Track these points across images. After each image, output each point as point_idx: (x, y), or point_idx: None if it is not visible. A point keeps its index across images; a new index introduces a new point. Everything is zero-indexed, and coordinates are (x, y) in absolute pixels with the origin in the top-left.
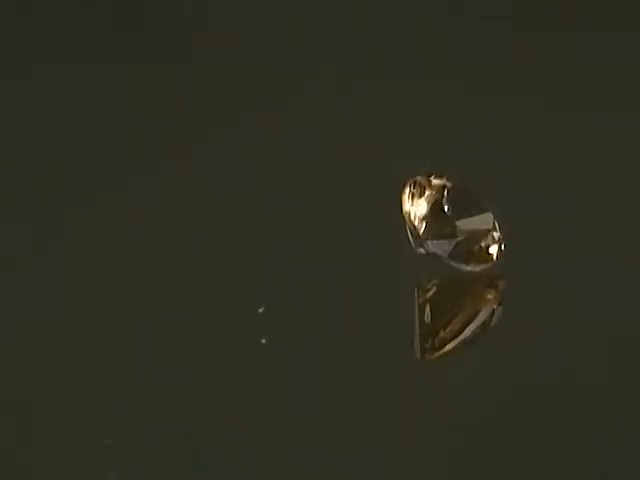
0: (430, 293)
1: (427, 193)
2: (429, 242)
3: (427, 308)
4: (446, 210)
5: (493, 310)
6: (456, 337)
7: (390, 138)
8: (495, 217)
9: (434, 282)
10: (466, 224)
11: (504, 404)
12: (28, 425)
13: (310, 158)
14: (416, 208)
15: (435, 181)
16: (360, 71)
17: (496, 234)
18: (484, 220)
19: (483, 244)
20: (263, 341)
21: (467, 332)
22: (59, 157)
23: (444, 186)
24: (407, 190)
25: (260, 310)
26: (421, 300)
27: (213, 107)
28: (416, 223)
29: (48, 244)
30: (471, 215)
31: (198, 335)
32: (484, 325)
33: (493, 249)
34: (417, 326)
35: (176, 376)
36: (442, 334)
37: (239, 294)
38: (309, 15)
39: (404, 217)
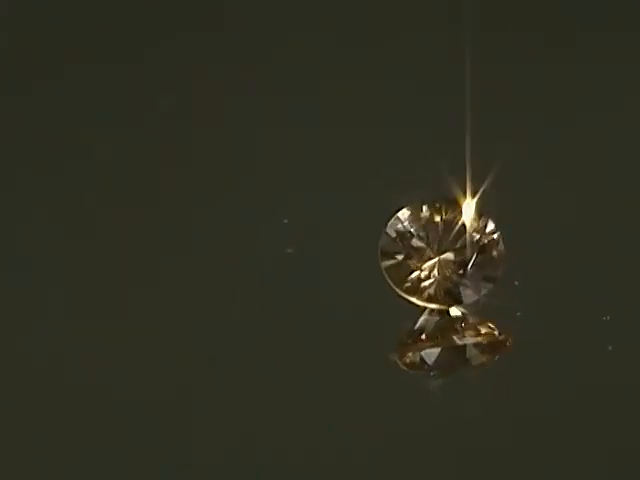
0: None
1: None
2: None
3: (421, 321)
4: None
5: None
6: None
7: (390, 138)
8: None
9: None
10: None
11: (505, 407)
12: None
13: (310, 158)
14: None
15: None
16: (360, 71)
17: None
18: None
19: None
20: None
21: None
22: (59, 157)
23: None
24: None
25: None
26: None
27: (213, 107)
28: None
29: (48, 244)
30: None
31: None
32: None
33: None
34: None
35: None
36: (419, 345)
37: (238, 302)
38: (309, 15)
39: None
